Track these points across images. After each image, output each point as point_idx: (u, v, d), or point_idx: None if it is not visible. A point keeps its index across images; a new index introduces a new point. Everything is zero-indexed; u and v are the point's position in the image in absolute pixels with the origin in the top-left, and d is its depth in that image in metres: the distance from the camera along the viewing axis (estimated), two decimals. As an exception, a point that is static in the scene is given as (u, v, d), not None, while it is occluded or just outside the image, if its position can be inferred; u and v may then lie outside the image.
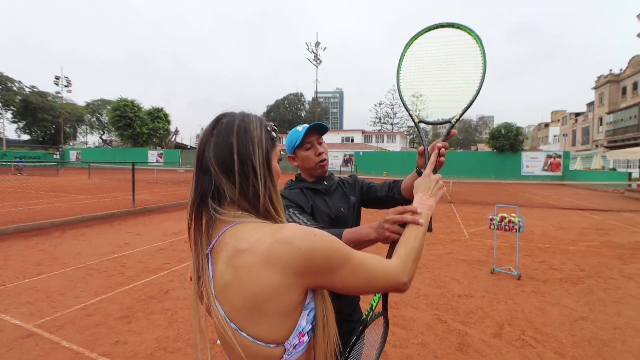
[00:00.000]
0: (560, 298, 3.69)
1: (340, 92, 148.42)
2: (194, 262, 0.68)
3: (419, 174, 1.15)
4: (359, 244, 0.98)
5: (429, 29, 1.06)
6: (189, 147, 47.08)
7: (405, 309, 3.39)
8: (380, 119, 70.42)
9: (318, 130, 1.32)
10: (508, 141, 27.08)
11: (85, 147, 56.60)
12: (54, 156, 39.11)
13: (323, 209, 1.31)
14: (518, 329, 2.99)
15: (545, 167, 26.74)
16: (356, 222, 1.43)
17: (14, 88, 50.55)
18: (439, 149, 0.97)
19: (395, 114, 68.84)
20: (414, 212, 0.85)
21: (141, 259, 5.00)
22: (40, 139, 54.39)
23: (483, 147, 42.71)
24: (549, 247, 5.92)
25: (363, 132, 56.06)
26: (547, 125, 54.34)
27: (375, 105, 72.11)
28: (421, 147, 1.02)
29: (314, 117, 30.08)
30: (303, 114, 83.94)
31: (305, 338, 0.65)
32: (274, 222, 0.69)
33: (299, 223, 1.18)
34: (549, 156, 26.84)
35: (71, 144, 56.86)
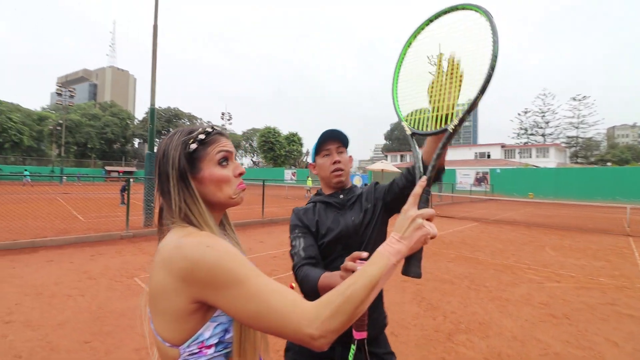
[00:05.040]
0: None
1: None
2: None
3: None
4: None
5: (430, 20, 0.85)
6: (317, 166, 51.60)
7: (521, 367, 2.65)
8: (525, 130, 59.84)
9: (339, 138, 1.27)
10: None
11: (240, 167, 69.86)
12: (219, 175, 49.75)
13: (329, 224, 1.24)
14: None
15: None
16: (374, 230, 1.25)
17: (197, 123, 67.34)
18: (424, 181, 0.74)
19: (547, 122, 57.30)
20: (363, 259, 0.75)
21: (257, 264, 5.64)
22: (212, 162, 70.31)
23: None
24: None
25: (503, 146, 48.78)
26: None
27: (519, 114, 61.47)
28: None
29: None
30: (430, 130, 79.75)
31: (211, 351, 0.64)
32: (197, 227, 0.71)
33: (294, 245, 1.21)
34: None
35: (231, 165, 71.30)
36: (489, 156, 47.83)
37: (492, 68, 0.68)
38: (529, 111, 59.30)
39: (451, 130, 0.75)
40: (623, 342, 3.04)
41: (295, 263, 1.17)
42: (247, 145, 75.74)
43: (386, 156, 62.79)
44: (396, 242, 0.66)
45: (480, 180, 29.82)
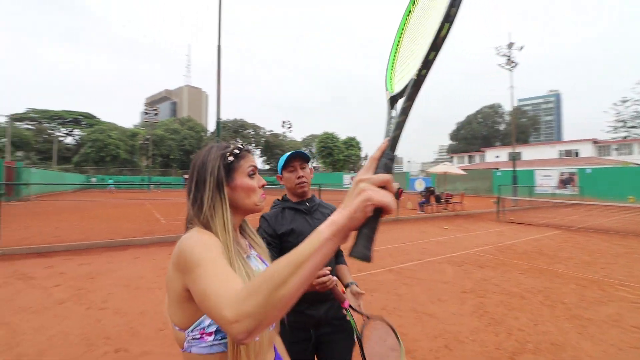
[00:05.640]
0: None
1: (555, 95, 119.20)
2: None
3: None
4: None
5: None
6: (377, 170, 51.00)
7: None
8: (624, 122, 51.01)
9: (302, 157, 1.54)
10: None
11: (301, 173, 72.39)
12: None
13: (302, 229, 1.47)
14: None
15: None
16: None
17: (261, 132, 71.66)
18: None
19: (652, 112, 48.08)
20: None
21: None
22: (275, 168, 73.97)
23: None
24: None
25: (595, 142, 42.39)
26: None
27: (614, 104, 52.63)
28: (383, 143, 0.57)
29: (514, 128, 24.65)
30: (502, 126, 72.97)
31: (211, 338, 0.70)
32: (212, 231, 0.78)
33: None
34: None
35: (292, 170, 74.20)
36: (577, 154, 41.91)
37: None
38: (628, 100, 50.45)
39: (415, 77, 0.56)
40: None
41: None
42: (307, 151, 78.29)
43: (452, 158, 59.04)
44: (339, 212, 0.52)
45: (565, 182, 26.03)
